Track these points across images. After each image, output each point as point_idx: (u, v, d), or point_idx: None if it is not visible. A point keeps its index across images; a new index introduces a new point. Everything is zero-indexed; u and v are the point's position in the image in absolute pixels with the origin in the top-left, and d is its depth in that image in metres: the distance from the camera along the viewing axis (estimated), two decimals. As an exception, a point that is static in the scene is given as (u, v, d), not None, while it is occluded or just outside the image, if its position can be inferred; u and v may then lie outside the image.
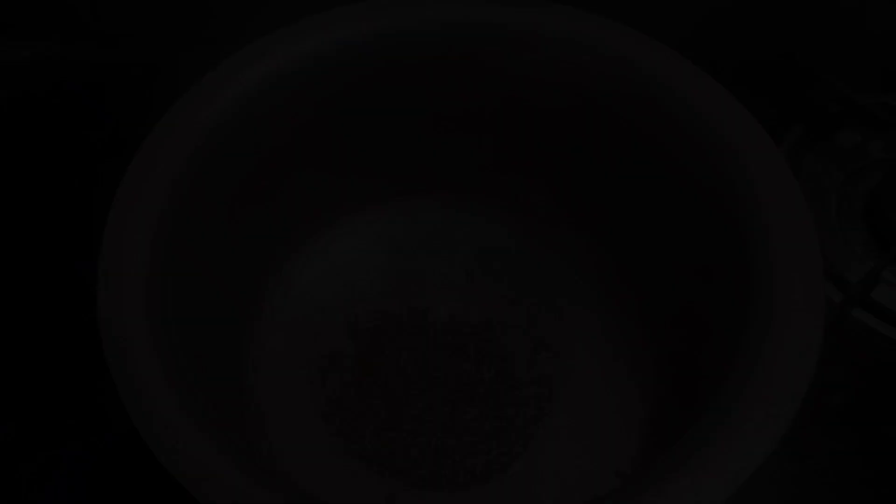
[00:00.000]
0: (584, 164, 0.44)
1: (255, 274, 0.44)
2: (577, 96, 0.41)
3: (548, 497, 0.40)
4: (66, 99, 0.62)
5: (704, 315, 0.39)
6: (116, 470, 0.45)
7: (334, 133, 0.42)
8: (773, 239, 0.33)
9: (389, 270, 0.46)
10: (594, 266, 0.46)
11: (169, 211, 0.34)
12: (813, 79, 0.55)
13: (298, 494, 0.28)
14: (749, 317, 0.32)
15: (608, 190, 0.44)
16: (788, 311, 0.31)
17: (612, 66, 0.39)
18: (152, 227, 0.33)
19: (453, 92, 0.42)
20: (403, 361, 0.43)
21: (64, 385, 0.48)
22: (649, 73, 0.38)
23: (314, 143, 0.42)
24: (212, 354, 0.37)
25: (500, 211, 0.48)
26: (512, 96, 0.42)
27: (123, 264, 0.32)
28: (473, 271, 0.47)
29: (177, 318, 0.33)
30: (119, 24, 0.64)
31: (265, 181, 0.41)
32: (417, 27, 0.39)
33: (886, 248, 0.50)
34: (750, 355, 0.31)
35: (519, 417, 0.42)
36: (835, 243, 0.51)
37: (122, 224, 0.33)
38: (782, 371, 0.30)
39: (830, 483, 0.44)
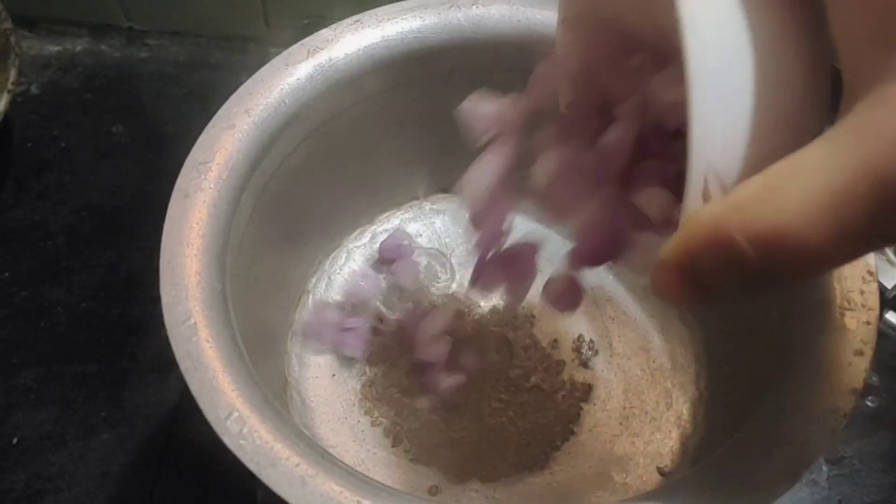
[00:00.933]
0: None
1: (299, 268, 0.45)
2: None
3: (589, 493, 0.40)
4: (95, 94, 0.63)
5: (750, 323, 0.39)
6: (144, 461, 0.45)
7: (380, 131, 0.43)
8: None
9: (429, 265, 0.47)
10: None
11: (224, 202, 0.34)
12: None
13: (361, 480, 0.28)
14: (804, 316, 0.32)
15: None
16: (842, 314, 0.32)
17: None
18: (210, 220, 0.33)
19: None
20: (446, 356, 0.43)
21: (96, 380, 0.48)
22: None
23: (360, 139, 0.42)
24: (261, 349, 0.38)
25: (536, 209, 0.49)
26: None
27: (183, 266, 0.32)
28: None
29: (234, 312, 0.33)
30: (148, 22, 0.65)
31: (312, 175, 0.41)
32: (469, 27, 0.39)
33: (920, 253, 0.51)
34: (802, 353, 0.32)
35: (561, 413, 0.42)
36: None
37: (181, 220, 0.33)
38: (836, 368, 0.31)
39: (864, 485, 0.45)
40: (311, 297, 0.45)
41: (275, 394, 0.39)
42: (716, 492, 0.28)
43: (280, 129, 0.37)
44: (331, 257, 0.46)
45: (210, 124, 0.35)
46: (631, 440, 0.41)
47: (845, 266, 0.33)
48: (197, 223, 0.33)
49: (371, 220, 0.48)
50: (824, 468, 0.45)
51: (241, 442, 0.28)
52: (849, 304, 0.32)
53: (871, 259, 0.33)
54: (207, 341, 0.30)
